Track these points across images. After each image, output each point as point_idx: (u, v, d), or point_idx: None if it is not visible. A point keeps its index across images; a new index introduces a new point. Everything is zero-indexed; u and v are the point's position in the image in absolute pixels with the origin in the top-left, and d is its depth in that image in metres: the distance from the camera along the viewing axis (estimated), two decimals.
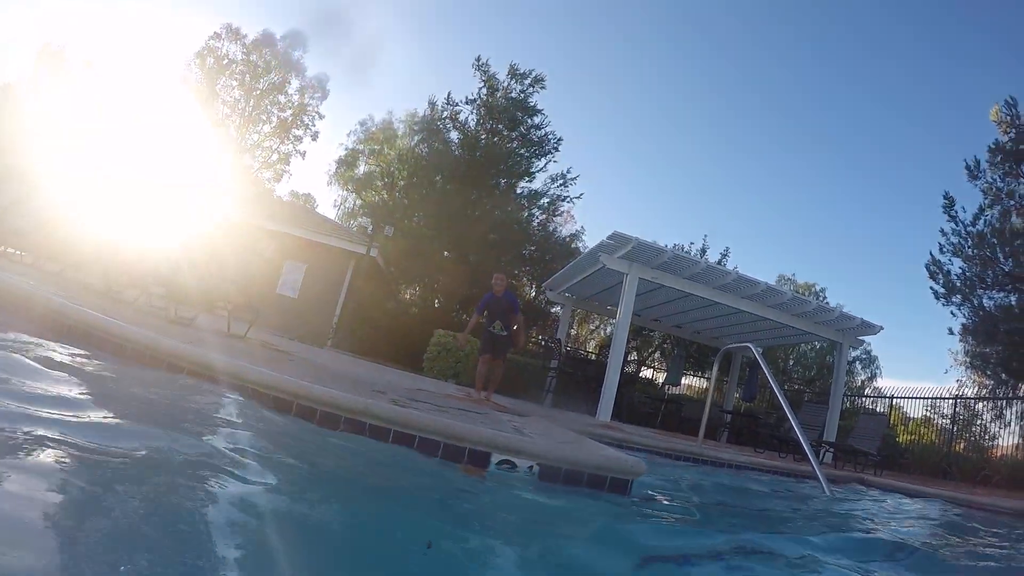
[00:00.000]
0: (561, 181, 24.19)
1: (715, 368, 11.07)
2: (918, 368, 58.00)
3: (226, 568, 1.64)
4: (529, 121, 24.24)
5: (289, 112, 34.31)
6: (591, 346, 28.37)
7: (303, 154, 35.39)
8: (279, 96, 34.09)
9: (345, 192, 30.83)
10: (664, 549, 2.79)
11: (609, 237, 11.76)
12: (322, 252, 17.69)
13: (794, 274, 33.14)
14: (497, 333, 9.02)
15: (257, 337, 8.25)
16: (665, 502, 4.25)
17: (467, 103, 24.20)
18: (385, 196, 25.77)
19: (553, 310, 24.74)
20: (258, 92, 33.59)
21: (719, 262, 23.07)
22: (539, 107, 24.47)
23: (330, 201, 47.63)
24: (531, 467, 3.42)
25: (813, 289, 31.32)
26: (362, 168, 29.22)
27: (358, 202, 28.97)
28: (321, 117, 35.59)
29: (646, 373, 23.97)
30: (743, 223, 58.96)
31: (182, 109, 31.15)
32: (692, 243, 24.32)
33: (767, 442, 13.57)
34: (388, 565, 1.95)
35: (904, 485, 9.32)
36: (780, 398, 6.86)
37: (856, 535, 4.23)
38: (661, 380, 21.77)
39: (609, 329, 28.12)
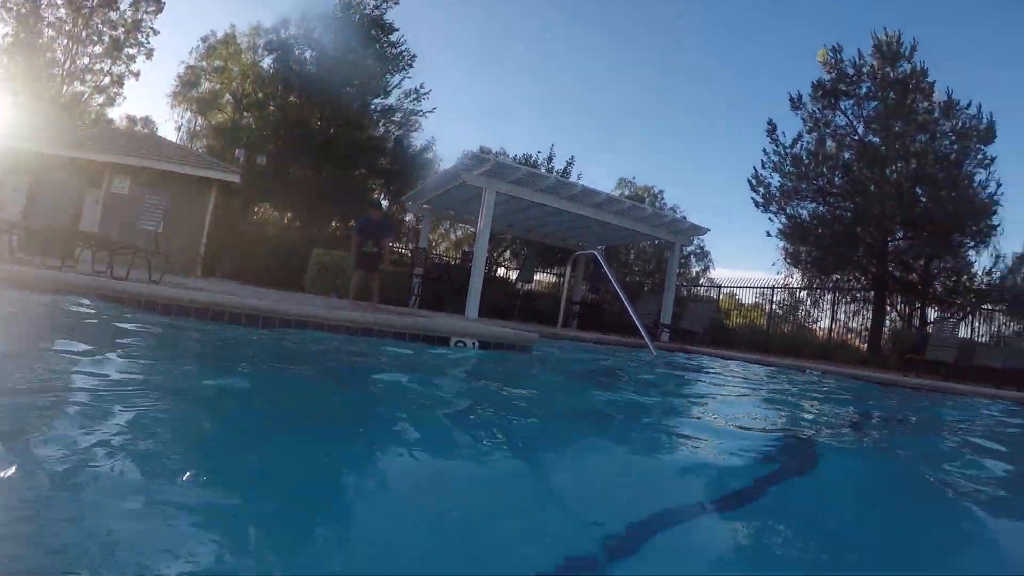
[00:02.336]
0: (415, 96, 26.15)
1: (568, 270, 14.23)
2: (758, 259, 66.35)
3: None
4: (384, 39, 25.74)
5: (122, 30, 32.53)
6: (442, 248, 31.18)
7: (137, 75, 33.75)
8: (111, 13, 32.48)
9: (189, 113, 30.88)
10: (551, 376, 5.69)
11: (469, 157, 14.24)
12: (181, 181, 17.97)
13: (634, 177, 37.09)
14: (369, 251, 11.60)
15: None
16: (549, 357, 7.15)
17: (320, 20, 25.23)
18: (233, 115, 26.40)
19: (406, 219, 27.15)
20: (87, 10, 31.56)
21: (565, 169, 26.62)
22: (395, 25, 25.98)
23: (172, 124, 45.83)
24: (474, 343, 6.16)
25: (652, 191, 35.15)
26: (205, 87, 29.44)
27: (203, 123, 29.26)
28: (156, 33, 33.82)
29: (500, 272, 27.01)
30: (590, 127, 63.35)
31: None
32: (539, 151, 27.56)
33: (611, 327, 17.06)
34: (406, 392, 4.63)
35: (716, 351, 12.96)
36: (619, 292, 10.01)
37: (672, 382, 7.22)
38: (514, 278, 24.83)
39: (460, 232, 31.07)
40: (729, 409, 4.86)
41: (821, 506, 2.31)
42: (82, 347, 3.41)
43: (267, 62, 25.90)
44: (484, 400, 3.92)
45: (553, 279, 26.40)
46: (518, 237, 24.11)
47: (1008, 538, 2.23)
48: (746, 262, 79.38)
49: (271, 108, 24.28)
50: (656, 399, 5.10)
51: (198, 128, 30.44)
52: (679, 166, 64.74)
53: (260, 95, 24.72)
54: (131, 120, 37.62)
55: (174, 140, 27.09)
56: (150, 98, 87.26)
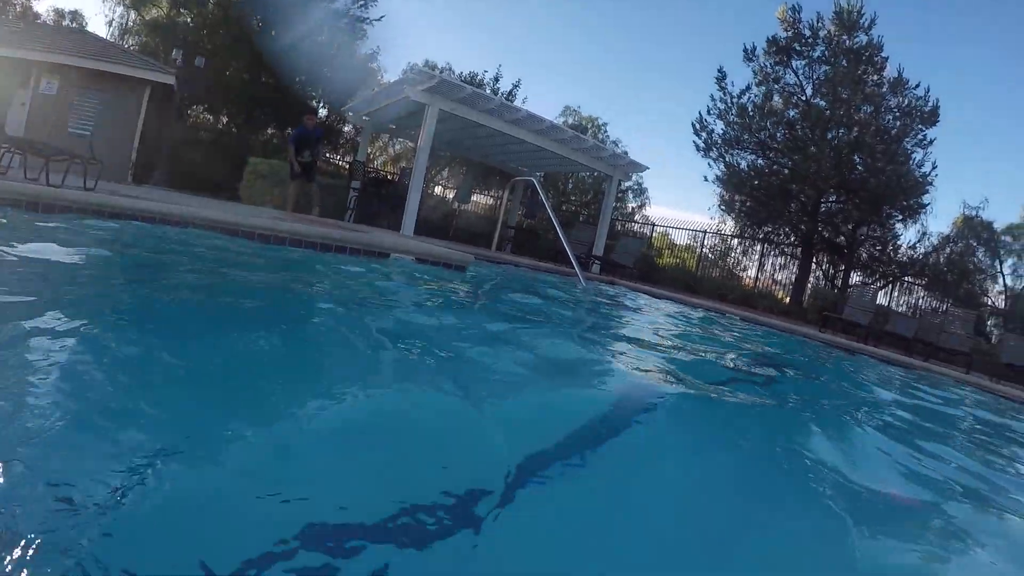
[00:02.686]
0: (362, 3, 25.31)
1: (505, 194, 14.34)
2: (696, 201, 67.85)
3: None
4: None
5: None
6: (380, 162, 30.90)
7: None
8: None
9: (121, 7, 28.83)
10: (481, 297, 5.92)
11: (415, 72, 14.16)
12: (114, 82, 17.08)
13: (580, 106, 36.95)
14: (306, 161, 11.58)
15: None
16: (483, 275, 7.39)
17: None
18: (168, 10, 24.71)
19: (345, 128, 26.77)
20: None
21: (511, 92, 26.42)
22: None
23: (103, 18, 43.04)
24: (411, 259, 6.34)
25: (596, 122, 35.10)
26: None
27: (136, 18, 27.62)
28: None
29: (437, 190, 26.99)
30: (541, 51, 62.79)
31: None
32: (486, 71, 27.27)
33: (544, 253, 17.40)
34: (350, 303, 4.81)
35: (643, 286, 13.41)
36: (554, 220, 10.26)
37: (591, 311, 7.54)
38: (451, 197, 24.91)
39: (398, 147, 30.81)
40: (632, 344, 5.14)
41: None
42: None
43: None
44: (414, 315, 4.15)
45: (490, 201, 26.49)
46: (457, 156, 24.08)
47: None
48: (685, 203, 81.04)
49: (210, 4, 23.12)
50: (571, 327, 5.40)
51: (131, 24, 28.35)
52: (628, 100, 64.82)
53: None
54: (59, 14, 34.72)
55: (105, 36, 25.30)
56: None
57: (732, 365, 5.13)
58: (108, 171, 14.48)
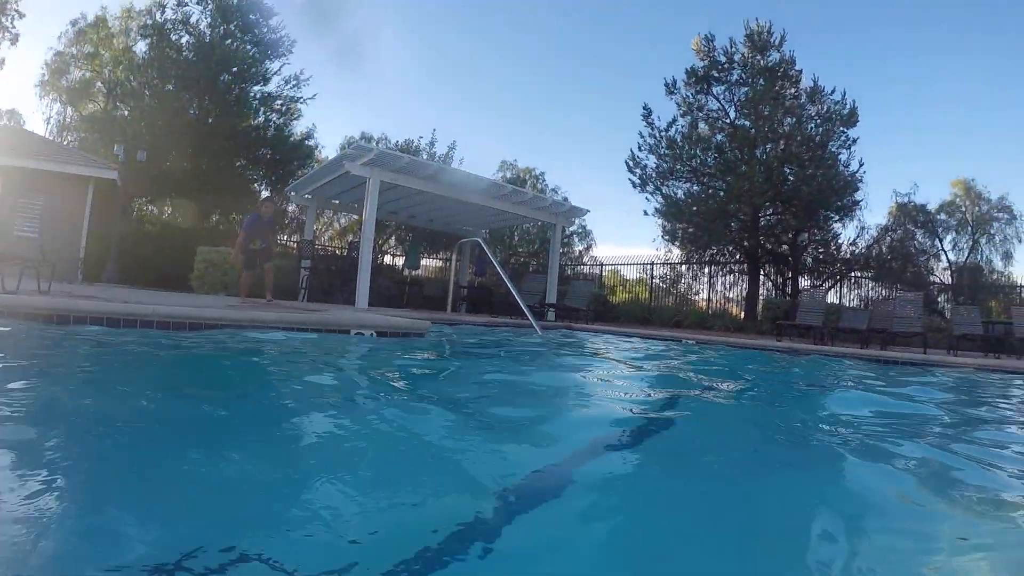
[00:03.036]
0: (295, 83, 25.75)
1: (454, 256, 14.80)
2: (643, 235, 69.45)
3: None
4: (264, 23, 25.19)
5: None
6: (326, 237, 31.26)
7: (1, 63, 31.58)
8: None
9: (59, 104, 29.33)
10: (444, 358, 6.28)
11: (352, 147, 14.57)
12: (56, 181, 17.17)
13: (516, 160, 37.91)
14: (257, 248, 11.84)
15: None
16: (443, 339, 7.74)
17: (198, 3, 24.43)
18: (105, 105, 25.39)
19: (289, 209, 27.06)
20: None
21: (447, 154, 27.03)
22: (274, 9, 25.40)
23: (41, 116, 42.65)
24: (372, 333, 6.68)
25: (533, 173, 36.00)
26: (76, 75, 28.17)
27: (73, 114, 27.86)
28: (22, 16, 30.90)
29: (386, 260, 27.28)
30: (472, 111, 64.03)
31: None
32: (421, 136, 27.88)
33: (499, 309, 17.80)
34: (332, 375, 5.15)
35: (598, 327, 13.88)
36: (502, 275, 10.73)
37: (548, 360, 7.92)
38: (400, 264, 25.26)
39: (343, 220, 31.19)
40: (588, 381, 5.55)
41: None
42: None
43: (141, 48, 24.63)
44: (378, 382, 4.50)
45: (440, 264, 26.93)
46: (403, 224, 24.45)
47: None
48: (633, 238, 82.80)
49: (146, 97, 23.27)
50: (530, 376, 5.77)
51: (68, 120, 29.14)
52: (563, 147, 66.24)
53: (134, 83, 23.51)
54: None
55: (43, 134, 25.79)
56: (16, 89, 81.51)
57: (686, 390, 5.52)
58: (58, 271, 14.22)
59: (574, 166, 66.35)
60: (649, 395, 5.01)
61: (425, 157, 25.71)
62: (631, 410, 3.98)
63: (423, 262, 25.32)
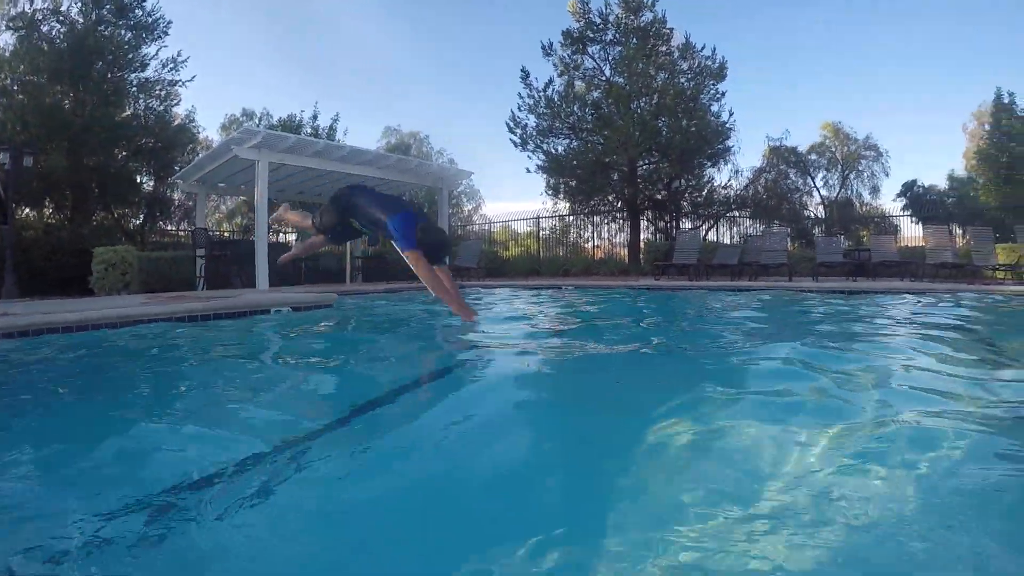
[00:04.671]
0: (172, 66, 25.13)
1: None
2: (533, 191, 71.34)
3: None
4: (138, 5, 24.40)
5: None
6: (215, 221, 31.55)
7: None
8: None
9: None
10: (349, 328, 7.62)
11: (240, 131, 15.11)
12: None
13: (400, 124, 38.77)
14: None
15: None
16: (351, 309, 9.03)
17: None
18: None
19: (175, 197, 27.26)
20: None
21: (331, 127, 27.67)
22: None
23: None
24: (288, 309, 7.94)
25: (418, 136, 36.96)
26: None
27: None
28: None
29: (280, 238, 27.67)
30: (351, 78, 64.11)
31: None
32: (303, 110, 28.34)
33: (396, 276, 19.04)
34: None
35: (488, 282, 15.51)
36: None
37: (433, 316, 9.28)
38: (294, 240, 25.85)
39: (231, 203, 31.59)
40: (457, 328, 7.00)
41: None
42: None
43: (9, 41, 23.81)
44: (279, 351, 5.84)
45: None
46: (293, 201, 25.00)
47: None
48: (527, 194, 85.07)
49: (18, 95, 22.64)
50: (410, 326, 7.16)
51: None
52: (449, 109, 67.19)
53: (4, 79, 22.80)
54: None
55: None
56: None
57: (553, 329, 7.01)
58: None
59: (462, 126, 67.38)
60: (502, 335, 6.42)
61: (309, 131, 26.36)
62: (496, 353, 5.43)
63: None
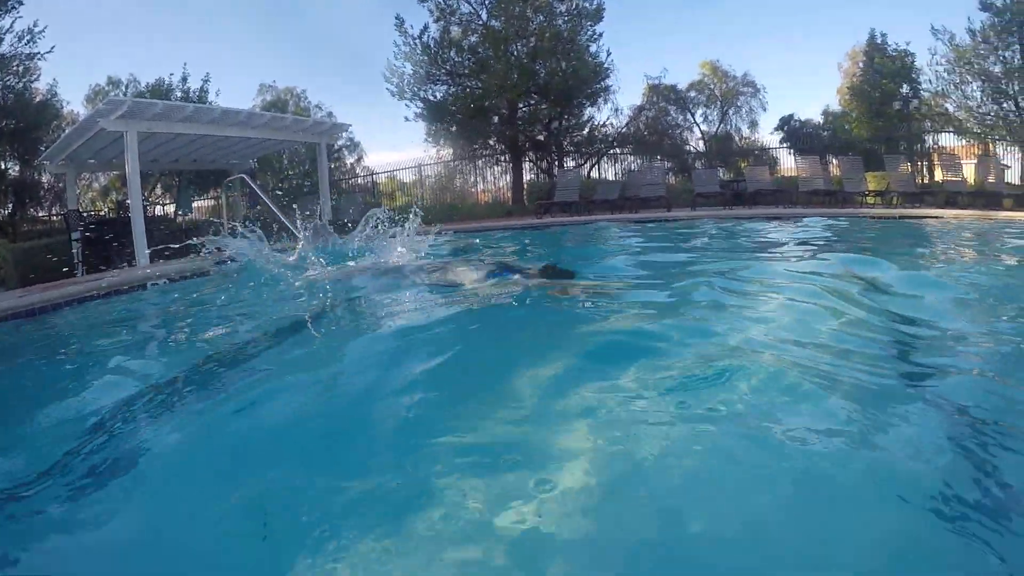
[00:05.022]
0: (29, 37, 23.22)
1: (224, 196, 15.65)
2: (415, 137, 70.87)
3: None
4: None
5: None
6: (88, 200, 30.41)
7: None
8: None
9: None
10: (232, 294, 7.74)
11: (105, 102, 14.51)
12: None
13: (275, 81, 37.67)
14: None
15: None
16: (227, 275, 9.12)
17: None
18: None
19: (43, 180, 25.99)
20: None
21: (202, 88, 26.74)
22: None
23: None
24: (165, 281, 7.98)
25: (294, 92, 36.07)
26: None
27: None
28: None
29: (158, 210, 26.98)
30: (218, 35, 61.64)
31: None
32: (172, 74, 27.15)
33: (280, 237, 18.94)
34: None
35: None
36: (271, 208, 12.04)
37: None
38: (172, 211, 25.40)
39: (103, 180, 30.49)
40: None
41: None
42: None
43: None
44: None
45: (213, 203, 27.14)
46: (167, 171, 24.41)
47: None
48: (407, 143, 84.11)
49: None
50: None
51: None
52: (322, 63, 65.47)
53: None
54: None
55: None
56: None
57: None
58: None
59: (339, 79, 65.88)
60: None
61: (179, 96, 25.48)
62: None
63: (195, 204, 25.65)
